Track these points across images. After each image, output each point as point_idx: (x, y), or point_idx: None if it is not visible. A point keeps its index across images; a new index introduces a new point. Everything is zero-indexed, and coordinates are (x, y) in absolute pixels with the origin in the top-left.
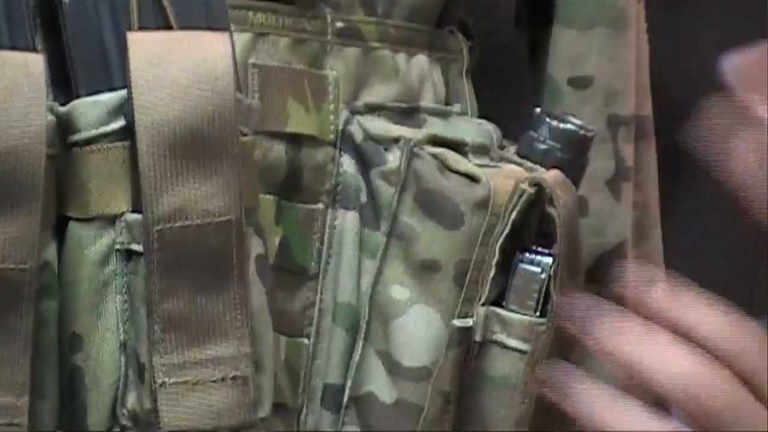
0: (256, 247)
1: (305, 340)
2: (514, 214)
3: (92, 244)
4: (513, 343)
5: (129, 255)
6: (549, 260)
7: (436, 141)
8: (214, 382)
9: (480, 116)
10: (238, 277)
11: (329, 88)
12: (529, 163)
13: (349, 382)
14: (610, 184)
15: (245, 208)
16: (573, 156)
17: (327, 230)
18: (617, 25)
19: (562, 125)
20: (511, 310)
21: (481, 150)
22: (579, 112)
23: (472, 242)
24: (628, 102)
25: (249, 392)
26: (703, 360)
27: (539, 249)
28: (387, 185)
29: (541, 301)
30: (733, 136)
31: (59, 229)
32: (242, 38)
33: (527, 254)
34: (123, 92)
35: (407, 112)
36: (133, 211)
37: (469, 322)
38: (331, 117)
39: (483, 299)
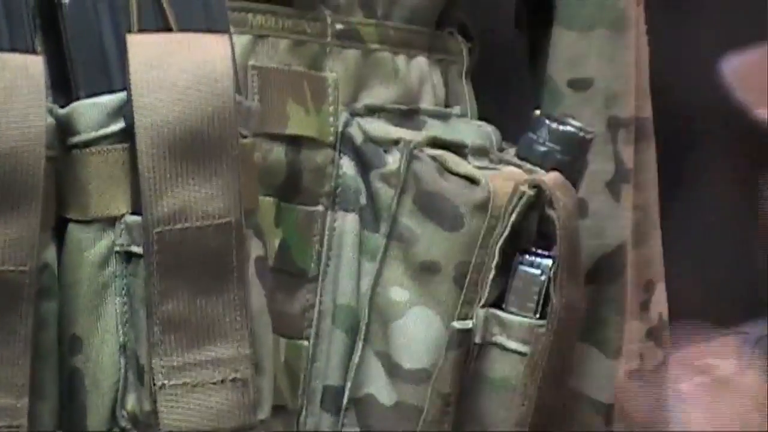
0: (255, 248)
1: (305, 342)
2: (514, 216)
3: (92, 246)
4: (513, 345)
5: (129, 257)
6: (549, 262)
7: (436, 143)
8: (213, 383)
9: (480, 118)
10: (237, 279)
11: (329, 90)
12: (528, 165)
13: (348, 384)
14: (610, 186)
15: (245, 210)
16: (573, 158)
17: (327, 232)
18: (617, 26)
19: (561, 127)
20: (511, 312)
21: (481, 152)
22: (579, 113)
23: (472, 244)
24: (627, 104)
25: (249, 394)
26: None
27: (539, 251)
28: (387, 187)
29: (541, 303)
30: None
31: (59, 231)
32: (242, 40)
33: (527, 256)
34: (123, 94)
35: (407, 114)
36: (133, 213)
37: (469, 324)
38: (331, 119)
39: (483, 301)
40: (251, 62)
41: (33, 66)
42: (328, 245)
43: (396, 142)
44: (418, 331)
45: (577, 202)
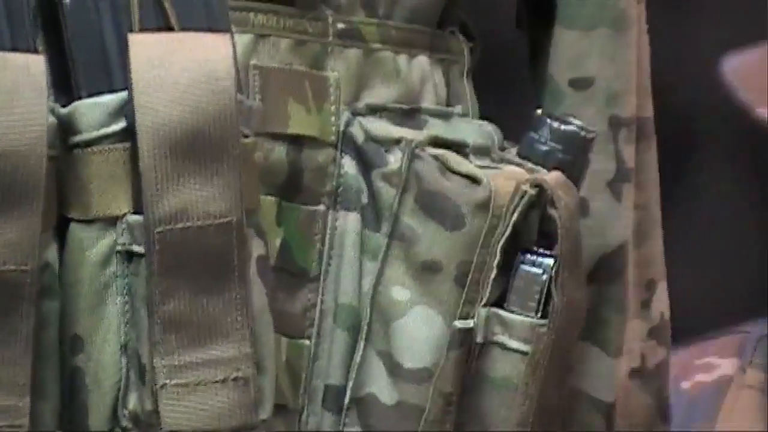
0: (257, 248)
1: (306, 342)
2: (516, 215)
3: (93, 246)
4: (514, 344)
5: (130, 256)
6: (550, 261)
7: (437, 142)
8: (215, 383)
9: (481, 117)
10: (239, 278)
11: (330, 90)
12: (530, 165)
13: (350, 384)
14: (611, 185)
15: (246, 209)
16: (574, 157)
17: (328, 231)
18: (618, 26)
19: (563, 126)
20: (513, 312)
21: (482, 151)
22: (580, 113)
23: (473, 243)
24: (629, 103)
25: (250, 393)
26: None
27: (540, 250)
28: (388, 186)
29: (543, 302)
30: None
31: (60, 231)
32: (243, 39)
33: (528, 255)
34: (124, 94)
35: (408, 114)
36: (134, 213)
37: (470, 323)
38: (333, 118)
39: (484, 300)
40: (253, 62)
41: (34, 65)
42: (329, 244)
43: (397, 142)
44: (419, 331)
45: (579, 201)
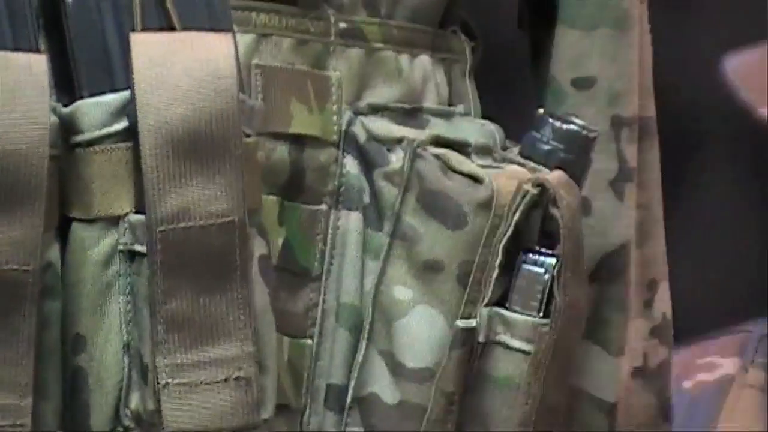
0: (259, 247)
1: (308, 341)
2: (518, 214)
3: (95, 245)
4: (516, 343)
5: (132, 256)
6: (552, 261)
7: (439, 142)
8: (217, 382)
9: (483, 117)
10: (241, 278)
11: (332, 89)
12: (532, 164)
13: (352, 383)
14: (614, 185)
15: (248, 209)
16: (576, 156)
17: (330, 231)
18: (620, 25)
19: (565, 126)
20: (515, 311)
21: (484, 150)
22: (582, 112)
23: (475, 243)
24: (631, 103)
25: (252, 393)
26: None
27: (542, 250)
28: (390, 186)
29: (545, 301)
30: None
31: (62, 230)
32: (245, 39)
33: (530, 255)
34: (126, 93)
35: (410, 113)
36: (137, 212)
37: (473, 322)
38: (334, 118)
39: (486, 300)
40: (255, 61)
41: (36, 65)
42: (331, 244)
43: (399, 141)
44: (421, 330)
45: (581, 200)
